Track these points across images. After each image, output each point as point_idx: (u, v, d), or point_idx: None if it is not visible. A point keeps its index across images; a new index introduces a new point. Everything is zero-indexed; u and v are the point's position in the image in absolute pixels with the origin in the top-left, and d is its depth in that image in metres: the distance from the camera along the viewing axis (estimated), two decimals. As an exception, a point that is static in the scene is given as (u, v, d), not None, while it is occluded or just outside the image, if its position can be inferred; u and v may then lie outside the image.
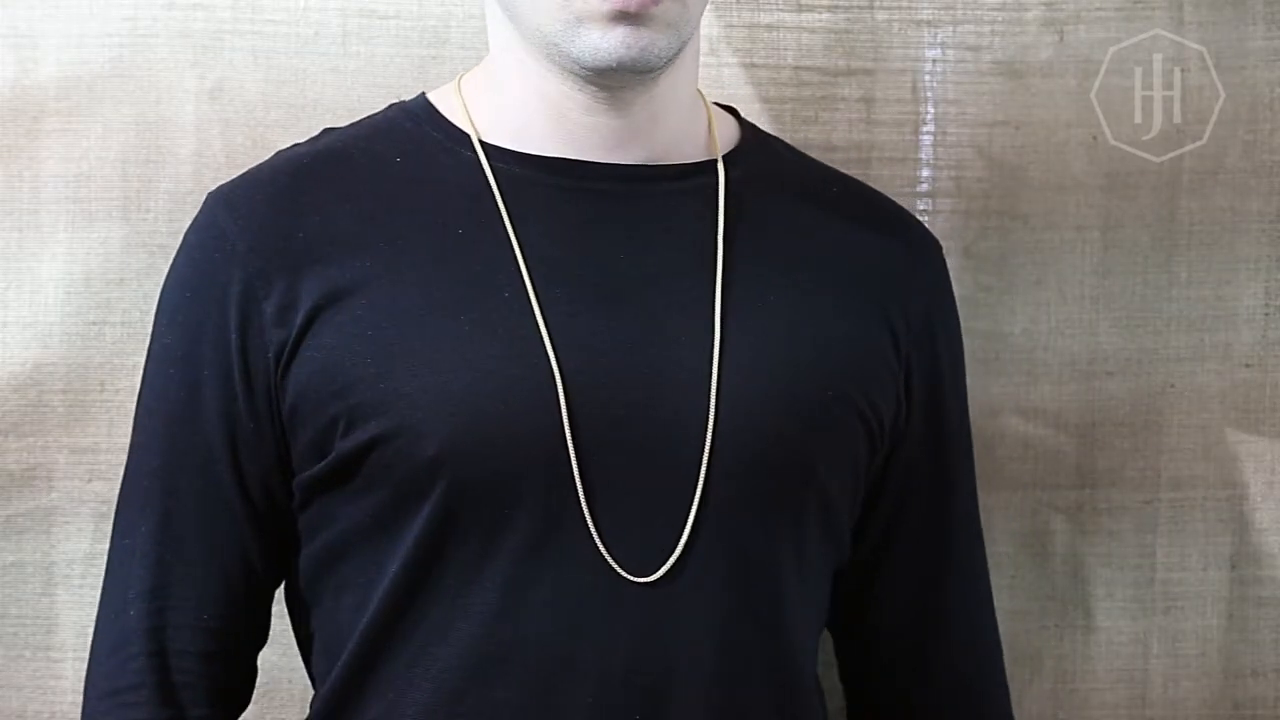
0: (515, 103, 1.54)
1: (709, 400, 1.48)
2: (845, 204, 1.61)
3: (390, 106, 1.60)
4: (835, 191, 1.62)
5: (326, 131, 1.60)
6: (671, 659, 1.48)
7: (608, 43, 1.46)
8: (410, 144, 1.56)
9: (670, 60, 1.49)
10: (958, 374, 1.64)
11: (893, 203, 1.66)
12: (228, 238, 1.52)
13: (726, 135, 1.60)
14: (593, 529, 1.47)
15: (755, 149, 1.60)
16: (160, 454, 1.53)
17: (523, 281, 1.50)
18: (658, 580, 1.47)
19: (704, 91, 1.60)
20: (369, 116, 1.60)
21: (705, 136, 1.58)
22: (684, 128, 1.56)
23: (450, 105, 1.57)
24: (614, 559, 1.47)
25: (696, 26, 1.51)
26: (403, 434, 1.47)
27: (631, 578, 1.47)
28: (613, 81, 1.50)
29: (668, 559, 1.47)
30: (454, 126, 1.55)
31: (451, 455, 1.46)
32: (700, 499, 1.48)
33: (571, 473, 1.47)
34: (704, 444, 1.48)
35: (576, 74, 1.49)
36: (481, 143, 1.54)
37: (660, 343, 1.49)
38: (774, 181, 1.58)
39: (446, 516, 1.47)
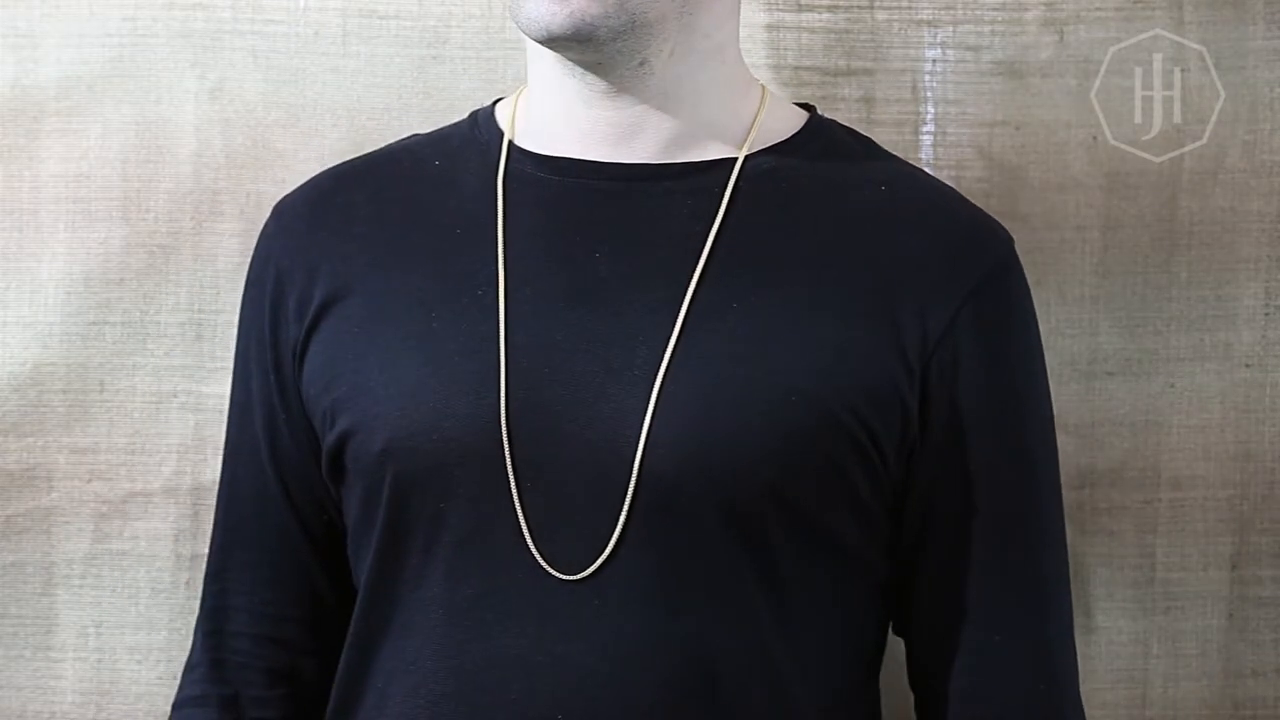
0: (540, 104, 1.55)
1: (649, 400, 1.46)
2: (887, 207, 1.54)
3: (472, 113, 1.62)
4: (883, 192, 1.55)
5: (412, 136, 1.63)
6: (595, 659, 1.46)
7: (538, 11, 1.45)
8: (456, 148, 1.58)
9: (620, 32, 1.46)
10: (1006, 385, 1.55)
11: (959, 206, 1.58)
12: (269, 240, 1.58)
13: (776, 130, 1.56)
14: (524, 525, 1.47)
15: (798, 147, 1.55)
16: (229, 443, 1.61)
17: (498, 280, 1.50)
18: (584, 579, 1.46)
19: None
20: (454, 123, 1.62)
21: (743, 132, 1.55)
22: (704, 124, 1.53)
23: (505, 110, 1.58)
24: (543, 556, 1.47)
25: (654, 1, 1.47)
26: (362, 428, 1.50)
27: (559, 575, 1.47)
28: (568, 55, 1.48)
29: (597, 559, 1.46)
30: (499, 130, 1.57)
31: (396, 448, 1.48)
32: (631, 500, 1.46)
33: (505, 468, 1.47)
34: (638, 444, 1.46)
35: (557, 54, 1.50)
36: (511, 144, 1.55)
37: (617, 342, 1.48)
38: (799, 181, 1.54)
39: (397, 511, 1.50)
